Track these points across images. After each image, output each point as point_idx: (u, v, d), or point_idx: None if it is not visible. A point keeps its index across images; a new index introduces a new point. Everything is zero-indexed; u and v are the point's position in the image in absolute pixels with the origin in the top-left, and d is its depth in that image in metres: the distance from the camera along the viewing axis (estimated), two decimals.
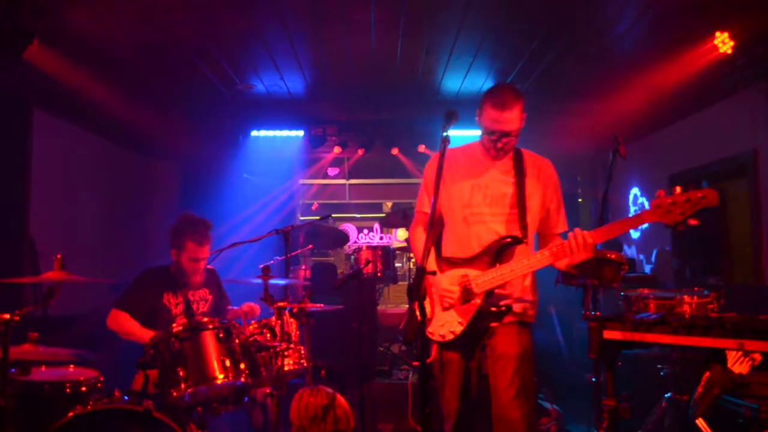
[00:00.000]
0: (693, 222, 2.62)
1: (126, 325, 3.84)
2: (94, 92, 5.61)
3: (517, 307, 2.99)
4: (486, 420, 3.01)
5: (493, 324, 2.97)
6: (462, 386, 3.03)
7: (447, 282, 2.99)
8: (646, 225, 2.87)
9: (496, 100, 2.91)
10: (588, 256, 2.81)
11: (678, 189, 2.61)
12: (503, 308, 2.93)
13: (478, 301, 2.92)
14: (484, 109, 2.96)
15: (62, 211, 6.01)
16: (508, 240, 2.94)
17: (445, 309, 2.99)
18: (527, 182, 3.03)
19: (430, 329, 3.03)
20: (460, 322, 2.96)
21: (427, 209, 3.05)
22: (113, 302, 3.96)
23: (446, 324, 2.99)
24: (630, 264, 6.36)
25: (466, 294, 2.94)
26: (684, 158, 6.50)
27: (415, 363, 5.75)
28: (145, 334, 3.69)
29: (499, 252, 2.94)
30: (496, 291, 2.94)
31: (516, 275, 2.91)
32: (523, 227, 2.98)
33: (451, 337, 2.97)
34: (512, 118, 2.92)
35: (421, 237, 3.20)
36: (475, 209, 3.04)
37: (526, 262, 2.89)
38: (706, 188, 2.59)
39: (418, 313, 2.45)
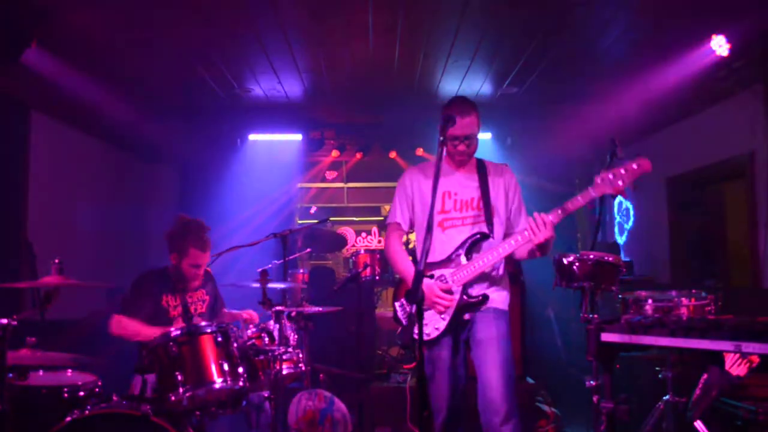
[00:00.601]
0: (633, 188, 3.01)
1: (131, 327, 3.84)
2: (92, 95, 5.60)
3: (492, 296, 3.26)
4: (474, 409, 3.21)
5: (473, 314, 3.26)
6: (450, 381, 3.24)
7: (426, 283, 3.18)
8: (591, 204, 3.26)
9: (460, 110, 3.20)
10: (549, 235, 3.05)
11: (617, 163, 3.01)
12: (480, 298, 3.22)
13: (456, 296, 3.20)
14: (453, 123, 3.13)
15: (60, 215, 6.00)
16: (477, 236, 3.24)
17: (439, 313, 3.22)
18: (490, 185, 3.34)
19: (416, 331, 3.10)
20: (443, 318, 3.21)
21: (400, 220, 3.42)
22: (114, 308, 3.95)
23: (430, 323, 3.23)
24: (627, 266, 6.38)
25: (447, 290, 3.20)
26: (681, 161, 6.50)
27: (407, 366, 5.79)
28: (153, 332, 3.66)
29: (470, 249, 3.24)
30: (472, 284, 3.24)
31: (489, 264, 3.20)
32: (490, 225, 3.28)
33: (436, 334, 3.21)
34: (468, 123, 3.22)
35: (398, 248, 3.45)
36: (446, 215, 3.32)
37: (495, 252, 3.17)
38: (639, 158, 2.96)
39: (417, 317, 2.54)
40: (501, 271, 3.38)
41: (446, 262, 3.27)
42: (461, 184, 3.36)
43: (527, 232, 3.08)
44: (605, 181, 3.01)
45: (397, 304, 3.41)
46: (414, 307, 2.58)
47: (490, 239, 3.27)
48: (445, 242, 3.30)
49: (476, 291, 3.25)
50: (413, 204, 3.42)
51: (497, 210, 3.34)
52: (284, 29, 4.97)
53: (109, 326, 3.89)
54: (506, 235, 3.36)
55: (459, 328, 3.28)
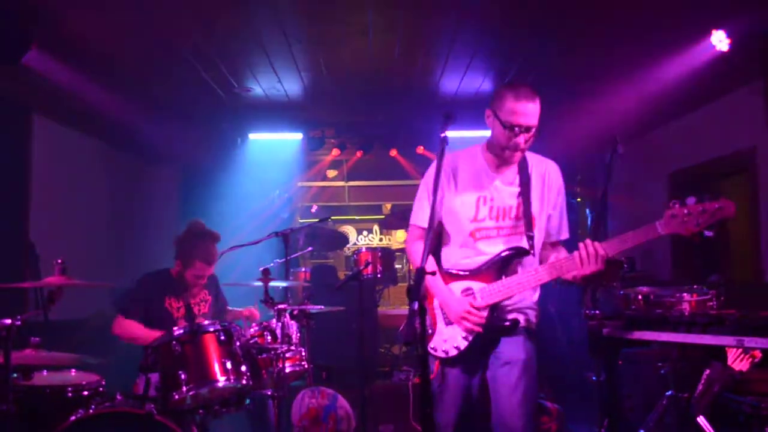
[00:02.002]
0: (709, 233, 2.56)
1: (133, 329, 3.86)
2: (92, 97, 5.60)
3: (522, 319, 2.89)
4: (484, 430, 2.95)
5: (500, 337, 2.89)
6: (460, 402, 2.93)
7: (456, 297, 2.87)
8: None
9: (518, 92, 2.76)
10: (599, 269, 2.67)
11: (692, 199, 2.57)
12: (509, 322, 2.84)
13: (483, 314, 2.82)
14: (503, 103, 2.77)
15: (62, 216, 6.01)
16: (513, 252, 2.86)
17: (466, 330, 2.86)
18: (532, 191, 2.92)
19: (432, 345, 2.91)
20: (464, 338, 2.86)
21: (425, 224, 2.89)
22: (117, 309, 3.96)
23: (449, 339, 2.89)
24: (630, 262, 6.38)
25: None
26: (683, 157, 6.51)
27: (417, 380, 5.55)
28: (152, 336, 3.68)
29: (504, 264, 2.85)
30: (502, 304, 2.85)
31: (523, 289, 2.81)
32: (530, 238, 2.87)
33: (455, 353, 2.87)
34: (535, 111, 2.78)
35: (420, 250, 2.91)
36: (481, 224, 2.91)
37: (533, 275, 2.78)
38: (723, 199, 2.53)
39: (418, 314, 2.37)
40: (537, 293, 3.00)
41: (476, 273, 2.89)
42: (499, 189, 2.92)
43: (576, 260, 2.69)
44: (678, 218, 2.59)
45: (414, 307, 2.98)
46: (416, 303, 2.34)
47: (530, 256, 2.89)
48: (475, 254, 2.91)
49: (507, 314, 2.87)
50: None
51: (538, 221, 2.92)
52: (284, 29, 4.97)
53: (112, 327, 3.91)
54: (543, 244, 3.00)
55: (481, 349, 2.90)
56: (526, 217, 2.87)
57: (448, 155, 2.78)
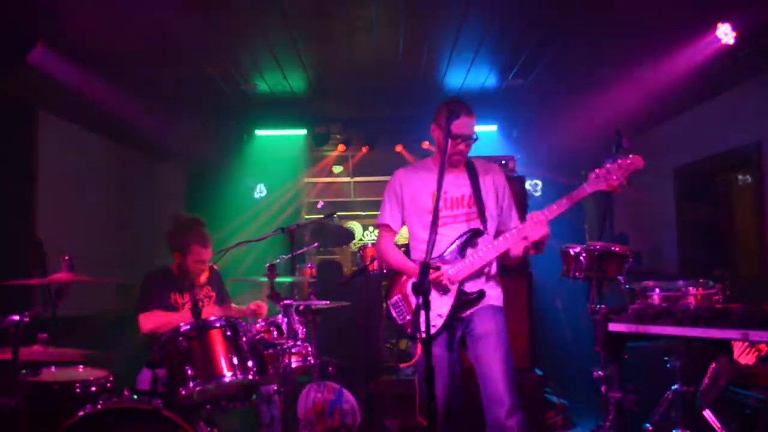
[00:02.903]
0: (627, 184, 3.04)
1: (162, 318, 3.88)
2: (98, 94, 5.62)
3: (488, 293, 3.27)
4: (471, 406, 3.20)
5: (470, 311, 3.26)
6: (446, 378, 3.20)
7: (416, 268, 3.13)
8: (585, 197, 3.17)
9: (467, 109, 3.24)
10: (545, 232, 3.08)
11: (609, 159, 3.07)
12: (476, 294, 3.23)
13: (452, 293, 3.21)
14: (458, 118, 3.16)
15: (69, 213, 6.04)
16: (470, 233, 3.26)
17: (442, 289, 3.21)
18: (481, 183, 3.36)
19: (418, 330, 3.07)
20: (440, 315, 3.19)
21: (389, 221, 3.45)
22: (136, 312, 3.97)
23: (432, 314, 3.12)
24: (634, 256, 6.37)
25: (442, 287, 3.20)
26: (688, 151, 6.49)
27: (403, 365, 5.67)
28: (176, 319, 3.69)
29: (464, 246, 3.26)
30: (468, 281, 3.24)
31: (486, 260, 3.21)
32: (483, 221, 3.30)
33: (433, 331, 3.08)
34: (473, 123, 3.28)
35: (392, 250, 3.48)
36: (439, 213, 3.21)
37: (491, 246, 3.20)
38: (632, 156, 3.04)
39: (423, 308, 2.58)
40: (495, 269, 3.39)
41: (441, 260, 3.26)
42: (452, 183, 3.34)
43: (525, 227, 3.11)
44: (599, 177, 3.07)
45: (390, 302, 3.39)
46: (420, 299, 2.60)
47: (485, 235, 3.29)
48: (439, 240, 3.22)
49: (472, 287, 3.26)
50: (403, 204, 3.43)
51: (489, 207, 3.35)
52: (289, 25, 4.97)
53: (139, 327, 3.92)
54: (498, 233, 3.35)
55: (455, 325, 3.28)
56: (478, 203, 3.32)
57: (401, 171, 3.48)
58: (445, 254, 3.27)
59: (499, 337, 3.21)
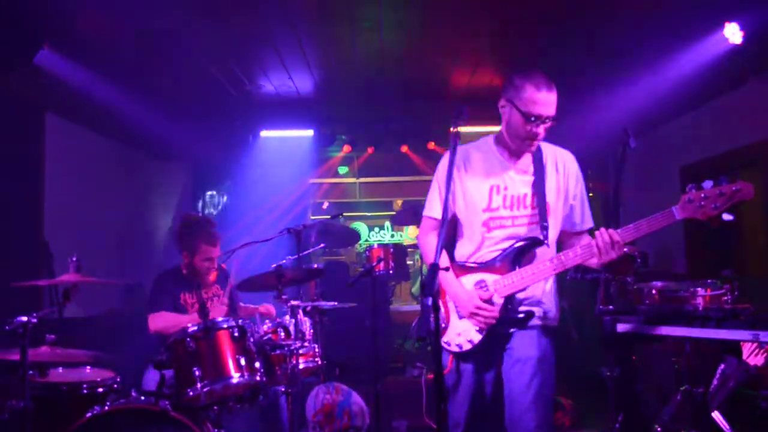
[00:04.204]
0: (728, 217, 2.51)
1: (169, 319, 3.89)
2: (104, 95, 5.63)
3: (538, 312, 2.83)
4: (497, 429, 2.89)
5: (513, 330, 2.84)
6: (474, 398, 2.88)
7: (466, 290, 2.82)
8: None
9: (537, 82, 2.70)
10: (616, 256, 2.63)
11: (709, 183, 2.54)
12: (524, 314, 2.77)
13: (497, 308, 2.77)
14: (522, 92, 2.71)
15: (76, 214, 6.05)
16: (527, 242, 2.80)
17: (480, 327, 2.80)
18: (547, 180, 2.85)
19: (445, 339, 2.87)
20: (478, 331, 2.80)
21: (438, 215, 2.89)
22: (146, 312, 3.98)
23: (463, 333, 2.83)
24: (643, 257, 6.35)
25: (487, 302, 2.78)
26: (695, 150, 6.45)
27: (431, 376, 5.55)
28: (190, 318, 3.75)
29: (518, 255, 2.79)
30: (517, 296, 2.79)
31: (538, 279, 2.75)
32: (544, 228, 2.80)
33: (469, 347, 2.81)
34: (554, 100, 2.74)
35: (433, 244, 2.91)
36: (494, 213, 2.84)
37: (548, 265, 2.72)
38: (740, 181, 2.49)
39: (433, 309, 2.33)
40: (551, 283, 2.91)
41: (488, 265, 2.83)
42: (513, 178, 2.86)
43: (593, 249, 2.65)
44: (694, 202, 2.56)
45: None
46: (429, 299, 2.30)
47: (544, 246, 2.81)
48: (489, 245, 2.85)
49: (521, 306, 2.80)
50: (454, 195, 2.92)
51: (554, 211, 2.85)
52: (294, 26, 4.97)
53: (148, 327, 3.93)
54: (565, 234, 2.95)
55: (496, 342, 2.84)
56: (540, 206, 2.81)
57: (459, 148, 2.76)
58: (494, 261, 2.82)
59: (540, 366, 2.79)
